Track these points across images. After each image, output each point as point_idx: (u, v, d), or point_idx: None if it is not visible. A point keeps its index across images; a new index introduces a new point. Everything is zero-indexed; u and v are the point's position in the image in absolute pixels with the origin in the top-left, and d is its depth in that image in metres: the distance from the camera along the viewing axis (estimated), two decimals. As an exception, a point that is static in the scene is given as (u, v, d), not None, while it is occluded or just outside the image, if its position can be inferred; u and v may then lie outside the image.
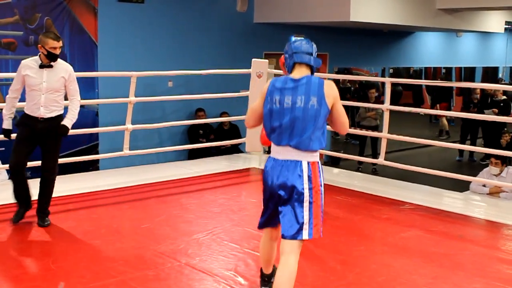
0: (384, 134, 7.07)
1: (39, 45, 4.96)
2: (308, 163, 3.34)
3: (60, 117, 5.08)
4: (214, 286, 4.00)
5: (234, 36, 10.88)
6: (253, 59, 7.66)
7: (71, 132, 5.12)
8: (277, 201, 3.41)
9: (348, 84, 16.08)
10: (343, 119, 3.47)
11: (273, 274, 3.71)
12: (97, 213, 5.51)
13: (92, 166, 8.35)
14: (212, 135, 9.98)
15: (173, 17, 9.92)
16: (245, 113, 7.90)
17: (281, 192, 3.35)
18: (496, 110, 12.00)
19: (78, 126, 8.23)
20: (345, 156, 8.73)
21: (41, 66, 4.97)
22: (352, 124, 12.47)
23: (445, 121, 15.93)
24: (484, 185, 7.00)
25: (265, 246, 3.73)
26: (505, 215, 5.92)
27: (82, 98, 5.50)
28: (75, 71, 5.12)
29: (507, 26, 16.17)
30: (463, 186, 7.34)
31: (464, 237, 5.14)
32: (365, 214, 5.77)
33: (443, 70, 18.44)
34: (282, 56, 3.95)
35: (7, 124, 5.11)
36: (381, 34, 14.11)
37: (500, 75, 20.25)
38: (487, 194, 6.91)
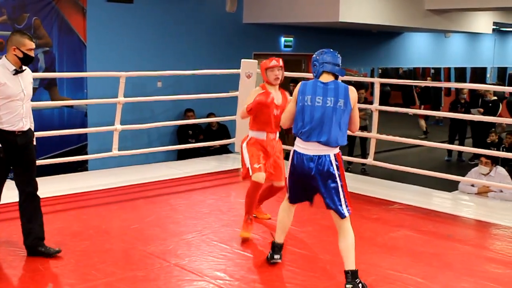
0: (373, 134, 7.09)
1: (13, 47, 4.24)
2: (334, 155, 3.96)
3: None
4: (203, 286, 3.99)
5: (223, 37, 10.87)
6: (242, 60, 7.65)
7: (60, 132, 4.98)
8: (309, 186, 4.04)
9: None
10: (357, 119, 4.11)
11: (282, 245, 4.36)
12: (86, 214, 5.48)
13: (81, 166, 8.32)
14: (201, 136, 9.98)
15: (162, 17, 9.90)
16: (234, 113, 7.93)
17: (316, 179, 3.95)
18: (482, 110, 12.07)
19: (67, 127, 8.23)
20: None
21: (16, 72, 4.27)
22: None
23: (422, 122, 16.08)
24: (472, 185, 7.04)
25: (284, 212, 4.31)
26: (493, 214, 5.95)
27: (70, 98, 5.36)
28: (64, 71, 5.14)
29: (494, 27, 16.27)
30: (452, 186, 7.37)
31: (453, 237, 5.16)
32: (354, 214, 5.69)
33: (432, 71, 18.54)
34: (264, 61, 5.10)
35: None
36: (370, 35, 14.15)
37: (488, 76, 20.40)
38: (476, 194, 6.94)
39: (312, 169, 3.93)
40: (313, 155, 3.94)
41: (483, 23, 14.48)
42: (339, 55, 4.10)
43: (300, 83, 4.09)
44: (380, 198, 6.33)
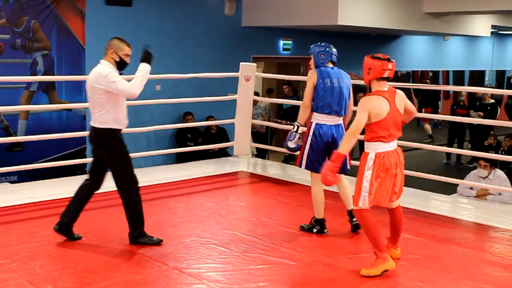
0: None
1: (111, 50, 4.59)
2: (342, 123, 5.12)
3: None
4: (202, 290, 3.99)
5: (222, 40, 10.89)
6: (241, 63, 7.66)
7: (59, 135, 5.00)
8: (329, 151, 4.72)
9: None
10: (352, 102, 5.17)
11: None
12: (84, 217, 5.46)
13: (80, 170, 8.31)
14: (200, 139, 9.98)
15: (160, 20, 9.91)
16: (233, 116, 7.93)
17: (337, 143, 4.81)
18: (482, 114, 12.08)
19: (65, 130, 8.24)
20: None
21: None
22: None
23: (427, 126, 16.06)
24: (471, 188, 7.04)
25: (320, 187, 5.03)
26: (492, 217, 5.95)
27: (69, 102, 5.43)
28: (63, 74, 5.15)
29: (493, 30, 16.30)
30: (450, 189, 7.38)
31: (451, 240, 5.16)
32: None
33: (430, 74, 18.55)
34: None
35: None
36: (368, 38, 14.17)
37: (486, 79, 20.41)
38: (475, 196, 6.95)
39: (335, 136, 4.95)
40: (334, 125, 5.00)
41: (481, 26, 14.50)
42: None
43: (314, 70, 5.04)
44: (379, 201, 6.31)
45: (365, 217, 4.23)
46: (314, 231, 5.14)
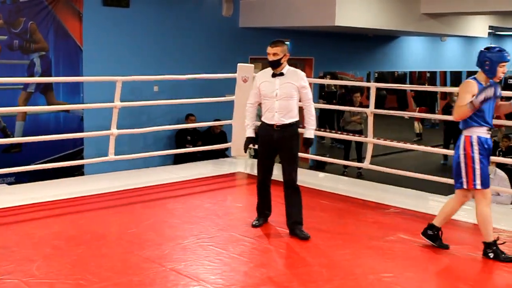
0: (370, 139, 7.10)
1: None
2: None
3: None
4: (199, 291, 3.99)
5: (219, 41, 10.89)
6: (238, 64, 7.66)
7: (57, 137, 5.04)
8: None
9: (333, 88, 16.15)
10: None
11: None
12: (82, 219, 5.48)
13: (78, 171, 8.31)
14: (200, 142, 9.95)
15: (158, 21, 9.91)
16: (231, 117, 7.91)
17: None
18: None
19: (63, 131, 8.23)
20: (331, 160, 8.75)
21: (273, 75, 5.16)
22: (337, 129, 12.49)
23: (416, 124, 16.13)
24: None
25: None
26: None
27: (67, 103, 5.43)
28: (60, 75, 5.15)
29: (490, 31, 16.32)
30: (448, 190, 7.38)
31: (449, 241, 5.16)
32: (350, 218, 5.80)
33: (428, 75, 18.59)
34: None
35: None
36: (366, 39, 14.18)
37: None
38: (473, 197, 6.94)
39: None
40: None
41: (479, 27, 14.51)
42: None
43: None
44: (376, 202, 6.34)
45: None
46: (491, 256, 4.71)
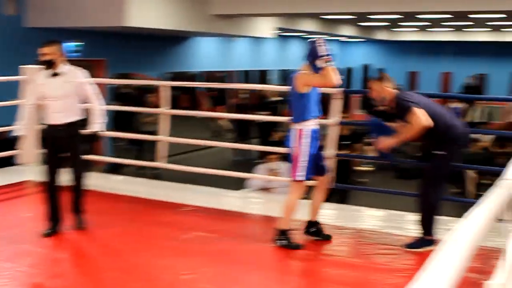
0: (164, 138, 7.12)
1: None
2: None
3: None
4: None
5: (2, 41, 10.20)
6: (21, 66, 7.26)
7: None
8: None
9: (128, 90, 15.97)
10: None
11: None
12: None
13: None
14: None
15: None
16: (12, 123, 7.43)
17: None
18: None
19: None
20: (126, 162, 8.63)
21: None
22: (132, 130, 12.35)
23: (221, 122, 16.59)
24: (261, 182, 7.39)
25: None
26: (278, 209, 6.28)
27: None
28: None
29: (279, 32, 17.31)
30: (242, 184, 7.67)
31: (242, 233, 5.37)
32: (147, 219, 5.76)
33: (224, 74, 19.24)
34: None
35: None
36: (159, 39, 14.24)
37: (272, 78, 21.64)
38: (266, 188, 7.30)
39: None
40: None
41: (265, 28, 15.30)
42: None
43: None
44: (173, 201, 6.36)
45: None
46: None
